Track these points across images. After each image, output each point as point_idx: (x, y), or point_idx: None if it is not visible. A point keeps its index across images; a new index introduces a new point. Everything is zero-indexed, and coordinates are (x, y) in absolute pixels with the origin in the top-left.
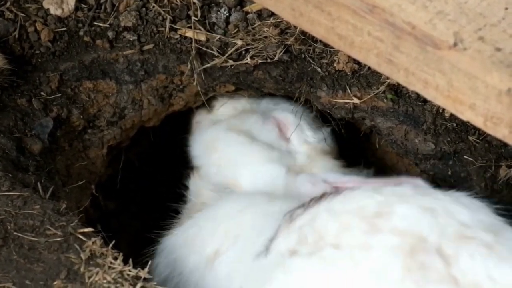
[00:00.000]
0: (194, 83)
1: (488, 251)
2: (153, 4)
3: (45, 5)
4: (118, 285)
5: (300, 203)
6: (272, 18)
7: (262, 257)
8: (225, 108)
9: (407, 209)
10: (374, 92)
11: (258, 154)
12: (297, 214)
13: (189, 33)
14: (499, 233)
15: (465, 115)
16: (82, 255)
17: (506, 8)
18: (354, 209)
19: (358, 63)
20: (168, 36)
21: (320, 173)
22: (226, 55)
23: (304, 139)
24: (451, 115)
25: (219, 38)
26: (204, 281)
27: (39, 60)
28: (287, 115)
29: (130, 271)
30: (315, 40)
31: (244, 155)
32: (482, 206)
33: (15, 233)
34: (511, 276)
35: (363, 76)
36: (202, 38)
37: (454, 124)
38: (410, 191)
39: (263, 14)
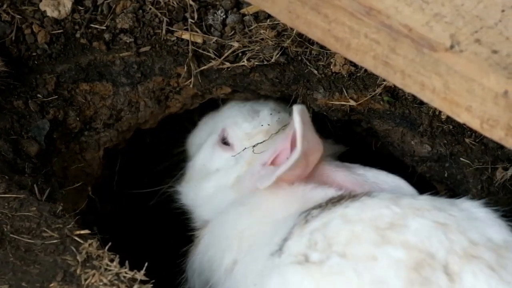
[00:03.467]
0: (191, 85)
1: (491, 272)
2: (150, 6)
3: (42, 7)
4: (114, 287)
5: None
6: (268, 20)
7: (276, 256)
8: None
9: (421, 224)
10: (370, 95)
11: None
12: (312, 216)
13: (186, 35)
14: (506, 253)
15: (462, 117)
16: (78, 257)
17: (503, 11)
18: (369, 218)
19: (355, 65)
20: (165, 38)
21: None
22: (223, 57)
23: None
24: (448, 117)
25: (216, 40)
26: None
27: (36, 62)
28: None
29: (126, 273)
30: (311, 42)
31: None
32: (497, 222)
33: (11, 235)
34: None
35: (359, 78)
36: (199, 40)
37: (451, 126)
38: (428, 205)
39: (260, 16)
